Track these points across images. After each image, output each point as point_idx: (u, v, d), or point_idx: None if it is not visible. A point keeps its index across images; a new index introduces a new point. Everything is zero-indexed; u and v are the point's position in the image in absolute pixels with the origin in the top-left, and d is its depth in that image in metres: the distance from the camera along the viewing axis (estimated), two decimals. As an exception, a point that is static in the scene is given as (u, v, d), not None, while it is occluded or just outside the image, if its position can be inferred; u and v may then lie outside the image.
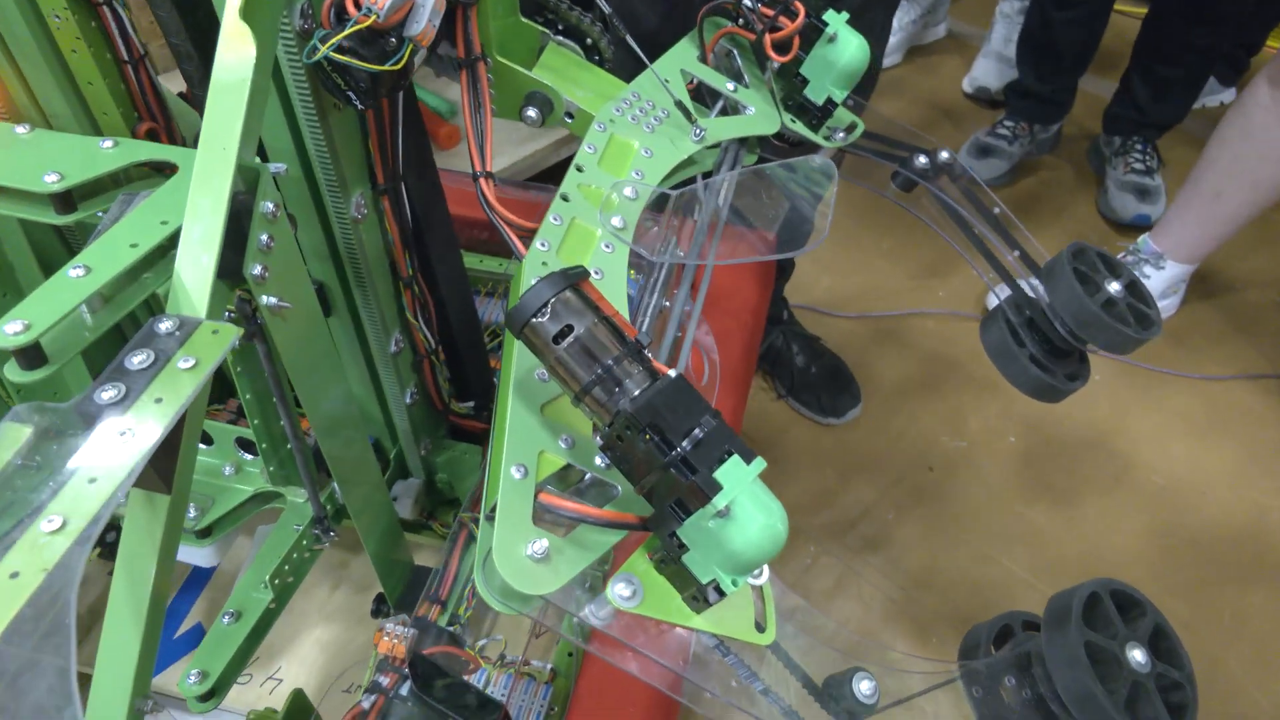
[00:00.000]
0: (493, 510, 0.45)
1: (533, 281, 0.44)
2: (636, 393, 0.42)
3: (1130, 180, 1.73)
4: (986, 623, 0.61)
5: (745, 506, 0.40)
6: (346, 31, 0.49)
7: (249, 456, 0.74)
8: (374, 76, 0.51)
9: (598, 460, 0.48)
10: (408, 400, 0.80)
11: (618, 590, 0.43)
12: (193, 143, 0.70)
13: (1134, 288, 0.73)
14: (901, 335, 1.54)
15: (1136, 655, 0.49)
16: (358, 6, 0.50)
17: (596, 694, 0.71)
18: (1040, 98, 1.76)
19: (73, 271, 0.44)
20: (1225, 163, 1.33)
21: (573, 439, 0.48)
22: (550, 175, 1.48)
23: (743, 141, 0.70)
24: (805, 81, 0.70)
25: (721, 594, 0.43)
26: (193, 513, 0.70)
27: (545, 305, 0.43)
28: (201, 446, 0.74)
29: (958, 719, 0.53)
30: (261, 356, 0.56)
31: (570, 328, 0.43)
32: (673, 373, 0.43)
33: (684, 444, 0.41)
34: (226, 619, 0.63)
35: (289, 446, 0.66)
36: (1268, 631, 1.20)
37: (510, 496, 0.44)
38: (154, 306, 0.57)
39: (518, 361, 0.49)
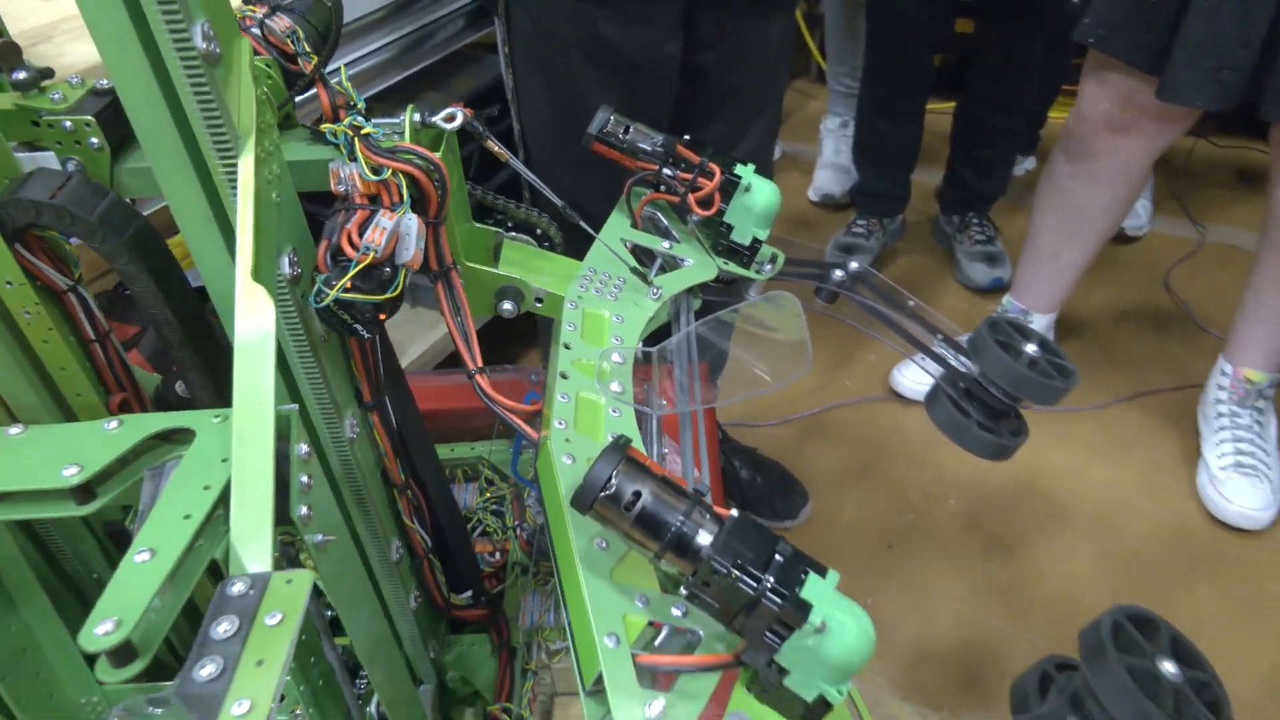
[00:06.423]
0: (596, 682, 0.47)
1: (567, 459, 0.47)
2: (711, 539, 0.46)
3: (978, 250, 1.93)
4: (1023, 675, 0.65)
5: (838, 618, 0.44)
6: (353, 272, 0.53)
7: None
8: (377, 306, 0.55)
9: (674, 611, 0.50)
10: (413, 604, 0.80)
11: (741, 732, 0.45)
12: (156, 405, 0.70)
13: (1046, 345, 0.83)
14: (826, 430, 1.63)
15: (1169, 667, 0.54)
16: (354, 247, 0.54)
17: None
18: (882, 195, 1.97)
19: (138, 557, 0.44)
20: (1051, 228, 1.53)
21: (647, 597, 0.50)
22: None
23: (689, 289, 0.77)
24: (730, 228, 0.78)
25: (829, 706, 0.46)
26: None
27: (610, 479, 0.46)
28: None
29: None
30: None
31: (638, 494, 0.46)
32: (734, 512, 0.47)
33: (768, 575, 0.44)
34: None
35: None
36: (1222, 622, 1.29)
37: (614, 667, 0.46)
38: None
39: (573, 537, 0.52)
